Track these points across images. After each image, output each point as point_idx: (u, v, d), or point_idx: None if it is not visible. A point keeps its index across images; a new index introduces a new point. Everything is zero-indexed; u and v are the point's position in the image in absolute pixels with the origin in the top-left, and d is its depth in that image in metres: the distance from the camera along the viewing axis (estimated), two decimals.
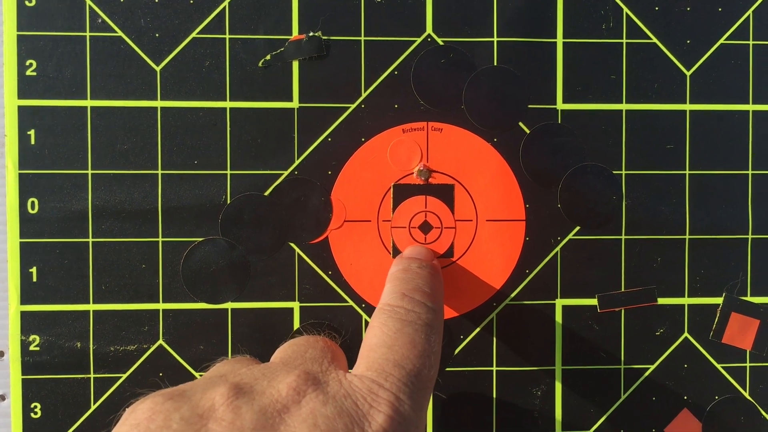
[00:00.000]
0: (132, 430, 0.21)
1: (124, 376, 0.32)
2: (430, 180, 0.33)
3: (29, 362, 0.32)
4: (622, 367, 0.34)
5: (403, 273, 0.29)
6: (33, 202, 0.32)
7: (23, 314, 0.32)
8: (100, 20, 0.32)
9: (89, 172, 0.32)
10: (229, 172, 0.32)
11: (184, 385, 0.23)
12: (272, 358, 0.27)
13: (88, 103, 0.32)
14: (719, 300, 0.34)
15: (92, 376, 0.32)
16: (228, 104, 0.32)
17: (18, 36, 0.32)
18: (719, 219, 0.34)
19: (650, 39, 0.33)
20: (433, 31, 0.33)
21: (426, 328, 0.26)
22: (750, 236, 0.34)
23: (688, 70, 0.34)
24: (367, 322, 0.33)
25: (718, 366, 0.34)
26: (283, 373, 0.23)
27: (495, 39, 0.33)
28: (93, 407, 0.32)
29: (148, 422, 0.21)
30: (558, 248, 0.33)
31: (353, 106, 0.33)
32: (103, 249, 0.32)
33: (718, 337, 0.34)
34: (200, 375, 0.32)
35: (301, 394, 0.22)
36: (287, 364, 0.25)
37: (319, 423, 0.21)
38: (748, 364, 0.34)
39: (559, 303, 0.33)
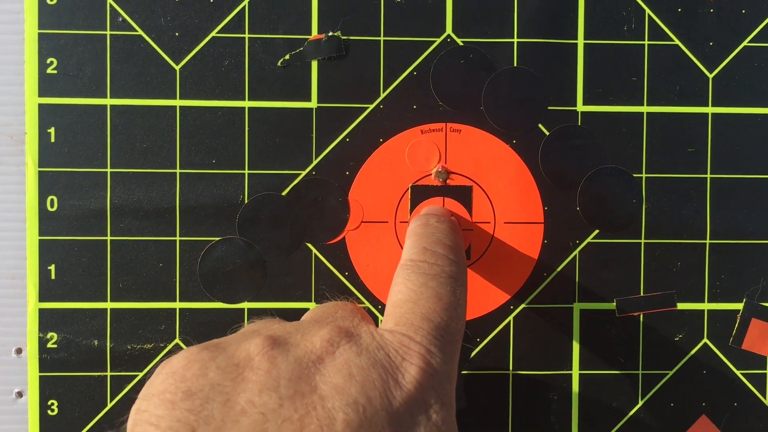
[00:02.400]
0: (168, 378, 0.20)
1: (141, 374, 0.32)
2: (448, 181, 0.33)
3: (47, 359, 0.32)
4: (640, 372, 0.33)
5: (422, 228, 0.29)
6: (52, 200, 0.32)
7: (41, 311, 0.32)
8: (120, 19, 0.32)
9: (108, 170, 0.32)
10: (247, 171, 0.32)
11: (218, 339, 0.23)
12: (304, 317, 0.26)
13: (108, 101, 0.32)
14: (739, 306, 0.34)
15: (109, 374, 0.32)
16: (247, 104, 0.32)
17: (39, 34, 0.32)
18: (740, 223, 0.33)
19: (672, 41, 0.33)
20: (453, 31, 0.33)
21: (450, 281, 0.25)
22: None
23: (711, 72, 0.33)
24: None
25: (738, 372, 0.34)
26: (315, 328, 0.23)
27: (515, 40, 0.33)
28: (109, 405, 0.32)
29: (184, 370, 0.21)
30: (576, 251, 0.33)
31: (372, 106, 0.33)
32: (121, 247, 0.32)
33: (737, 344, 0.34)
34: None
35: (335, 346, 0.22)
36: (318, 321, 0.25)
37: (354, 372, 0.21)
38: (767, 371, 0.34)
39: (577, 307, 0.33)
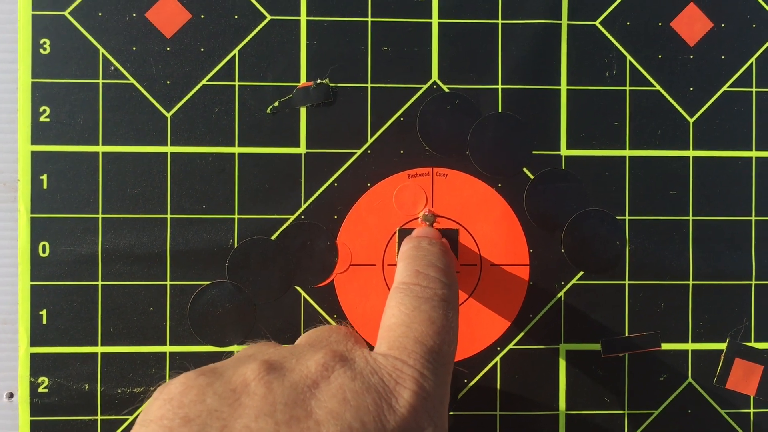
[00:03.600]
0: (165, 404, 0.21)
1: (131, 418, 0.32)
2: (434, 225, 0.33)
3: (38, 404, 0.32)
4: (626, 412, 0.34)
5: (414, 250, 0.29)
6: (44, 246, 0.32)
7: (33, 356, 0.32)
8: (112, 68, 0.32)
9: (100, 216, 0.32)
10: (236, 216, 0.33)
11: (214, 364, 0.23)
12: (298, 341, 0.27)
13: (100, 148, 0.32)
14: (723, 345, 0.34)
15: (99, 417, 0.32)
16: (236, 150, 0.33)
17: (32, 83, 0.32)
18: (723, 264, 0.34)
19: (653, 86, 0.34)
20: (439, 78, 0.33)
21: (443, 304, 0.26)
22: (753, 282, 0.34)
23: (692, 117, 0.34)
24: None
25: (722, 412, 0.34)
26: (310, 352, 0.23)
27: (500, 86, 0.33)
28: None
29: (181, 396, 0.21)
30: (562, 293, 0.34)
31: (359, 151, 0.33)
32: (112, 292, 0.32)
33: (722, 383, 0.34)
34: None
35: (329, 370, 0.22)
36: (313, 345, 0.25)
37: (349, 397, 0.21)
38: (752, 410, 0.34)
39: (563, 348, 0.34)
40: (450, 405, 0.33)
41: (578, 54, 0.34)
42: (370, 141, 0.33)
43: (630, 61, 0.34)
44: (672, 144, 0.34)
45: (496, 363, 0.34)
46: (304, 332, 0.28)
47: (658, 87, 0.34)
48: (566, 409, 0.34)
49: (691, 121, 0.34)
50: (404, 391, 0.22)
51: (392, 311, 0.26)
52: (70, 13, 0.32)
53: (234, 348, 0.33)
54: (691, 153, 0.34)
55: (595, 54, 0.34)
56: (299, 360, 0.23)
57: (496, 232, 0.33)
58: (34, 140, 0.32)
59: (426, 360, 0.24)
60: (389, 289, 0.33)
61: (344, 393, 0.21)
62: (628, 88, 0.34)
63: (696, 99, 0.34)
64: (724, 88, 0.34)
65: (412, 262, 0.28)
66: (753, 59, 0.34)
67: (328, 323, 0.33)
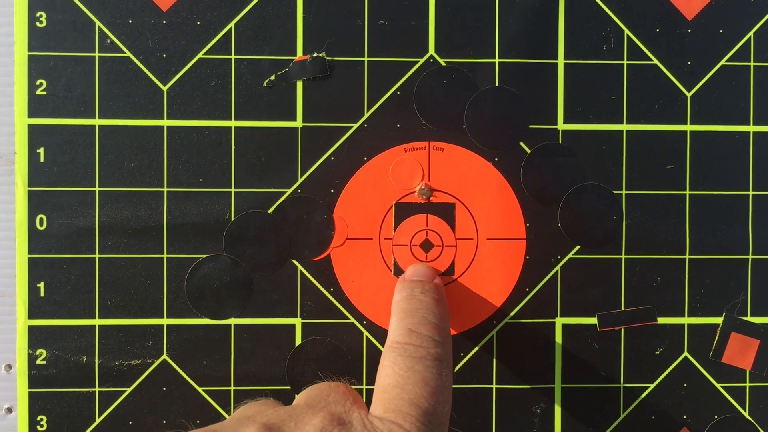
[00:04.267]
0: None
1: (129, 390, 0.33)
2: (431, 199, 0.33)
3: (36, 376, 0.32)
4: (622, 385, 0.34)
5: (407, 303, 0.29)
6: (41, 219, 0.32)
7: (30, 328, 0.32)
8: (108, 41, 0.32)
9: (96, 189, 0.33)
10: (233, 190, 0.33)
11: (213, 426, 0.24)
12: (295, 401, 0.27)
13: (97, 122, 0.33)
14: (719, 320, 0.34)
15: (97, 389, 0.33)
16: (233, 123, 0.33)
17: (29, 56, 0.32)
18: (719, 239, 0.34)
19: (651, 60, 0.34)
20: (436, 51, 0.33)
21: (436, 363, 0.26)
22: (750, 256, 0.34)
23: (689, 91, 0.34)
24: (368, 339, 0.33)
25: (718, 385, 0.34)
26: (309, 415, 0.24)
27: (497, 60, 0.33)
28: (98, 420, 0.33)
29: None
30: (558, 267, 0.34)
31: (356, 125, 0.33)
32: (109, 265, 0.33)
33: (717, 357, 0.34)
34: (203, 391, 0.33)
35: None
36: (312, 406, 0.25)
37: None
38: (747, 384, 0.34)
39: (559, 322, 0.34)
40: None
41: (575, 27, 0.33)
42: (366, 115, 0.33)
43: (627, 35, 0.34)
44: (669, 118, 0.34)
45: (492, 337, 0.34)
46: (302, 390, 0.28)
47: (655, 61, 0.34)
48: (562, 383, 0.34)
49: (688, 95, 0.34)
50: None
51: (386, 371, 0.26)
52: None
53: (231, 321, 0.33)
54: (688, 127, 0.34)
55: (593, 27, 0.34)
56: (297, 424, 0.23)
57: (493, 206, 0.33)
58: (31, 113, 0.32)
59: (421, 423, 0.24)
60: (386, 263, 0.33)
61: None
62: (625, 62, 0.34)
63: (694, 73, 0.34)
64: (722, 62, 0.34)
65: (405, 318, 0.28)
66: (751, 33, 0.34)
67: (325, 298, 0.33)
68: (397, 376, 0.26)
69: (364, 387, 0.33)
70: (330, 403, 0.26)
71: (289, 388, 0.33)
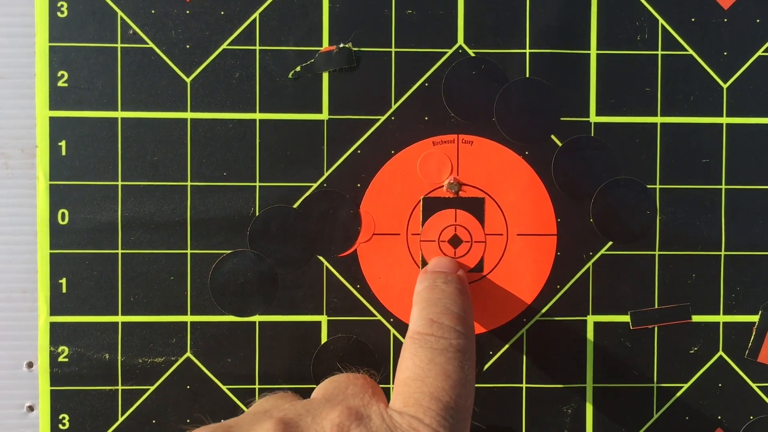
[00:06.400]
0: None
1: (152, 388, 0.32)
2: (460, 193, 0.33)
3: (58, 373, 0.32)
4: (655, 385, 0.33)
5: (429, 292, 0.28)
6: (63, 213, 0.32)
7: (52, 325, 0.32)
8: (131, 32, 0.32)
9: (119, 183, 0.32)
10: (258, 184, 0.32)
11: (229, 420, 0.23)
12: (313, 394, 0.27)
13: (119, 114, 0.32)
14: (755, 318, 0.33)
15: (120, 387, 0.32)
16: (257, 116, 0.32)
17: (50, 47, 0.32)
18: (756, 235, 0.33)
19: (686, 51, 0.33)
20: (465, 42, 0.32)
21: (458, 355, 0.25)
22: None
23: (725, 82, 0.33)
24: (395, 337, 0.32)
25: (754, 385, 0.33)
26: (326, 409, 0.23)
27: (527, 50, 0.32)
28: (120, 419, 0.32)
29: None
30: (590, 263, 0.33)
31: (383, 118, 0.32)
32: (132, 261, 0.32)
33: (753, 356, 0.33)
34: (227, 389, 0.32)
35: (344, 431, 0.22)
36: (329, 400, 0.25)
37: None
38: None
39: (591, 319, 0.33)
40: (476, 377, 0.33)
41: (608, 17, 0.33)
42: (394, 107, 0.32)
43: (662, 25, 0.33)
44: (705, 110, 0.33)
45: (522, 335, 0.33)
46: (321, 382, 0.27)
47: (690, 51, 0.33)
48: (594, 382, 0.33)
49: (724, 86, 0.33)
50: None
51: (407, 363, 0.25)
52: None
53: (255, 318, 0.32)
54: (724, 120, 0.33)
55: (626, 17, 0.33)
56: (315, 419, 0.23)
57: (523, 200, 0.33)
58: (52, 106, 0.32)
59: (442, 417, 0.23)
60: (413, 259, 0.32)
61: None
62: (659, 52, 0.33)
63: (730, 64, 0.33)
64: (759, 53, 0.33)
65: (426, 307, 0.27)
66: None
67: (351, 295, 0.32)
68: (417, 369, 0.25)
69: (390, 385, 0.32)
70: (348, 396, 0.25)
71: (314, 386, 0.32)
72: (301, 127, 0.32)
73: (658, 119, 0.33)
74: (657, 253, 0.33)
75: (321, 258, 0.32)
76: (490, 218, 0.33)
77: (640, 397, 0.33)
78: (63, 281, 0.32)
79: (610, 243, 0.33)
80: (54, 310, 0.32)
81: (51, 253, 0.32)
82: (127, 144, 0.32)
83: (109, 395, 0.32)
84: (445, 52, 0.32)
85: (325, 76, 0.32)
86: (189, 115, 0.32)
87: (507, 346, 0.33)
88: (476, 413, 0.33)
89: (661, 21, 0.33)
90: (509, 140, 0.33)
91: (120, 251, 0.32)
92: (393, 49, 0.32)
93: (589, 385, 0.33)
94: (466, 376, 0.25)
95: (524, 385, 0.33)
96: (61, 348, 0.32)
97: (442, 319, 0.27)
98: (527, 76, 0.33)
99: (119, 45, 0.32)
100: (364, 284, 0.32)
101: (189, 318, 0.32)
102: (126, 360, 0.32)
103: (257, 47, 0.32)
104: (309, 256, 0.32)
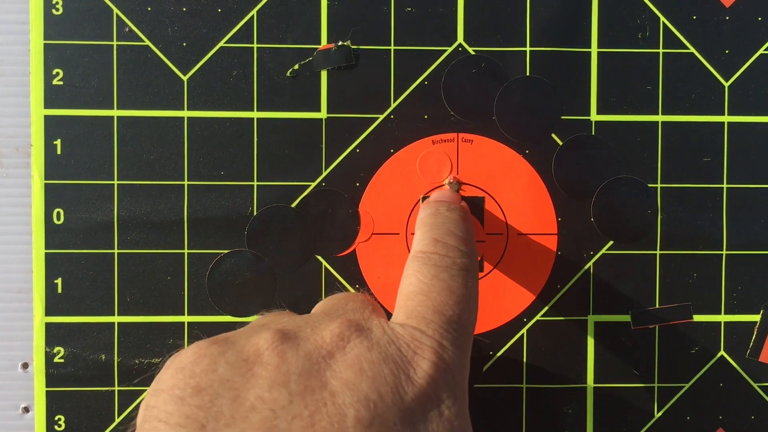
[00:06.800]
0: (177, 373, 0.20)
1: (149, 389, 0.32)
2: (460, 192, 0.32)
3: (53, 374, 0.31)
4: (656, 385, 0.33)
5: (432, 218, 0.28)
6: (58, 213, 0.31)
7: (48, 326, 0.32)
8: (127, 29, 0.31)
9: (115, 182, 0.32)
10: (255, 183, 0.32)
11: (227, 333, 0.23)
12: (314, 309, 0.26)
13: (115, 112, 0.32)
14: (757, 317, 0.33)
15: (117, 388, 0.32)
16: (255, 114, 0.32)
17: (45, 45, 0.31)
18: (757, 234, 0.33)
19: (687, 49, 0.33)
20: (464, 40, 0.32)
21: (462, 273, 0.25)
22: None
23: (727, 80, 0.33)
24: None
25: (755, 385, 0.33)
26: (326, 321, 0.23)
27: (528, 48, 0.32)
28: (117, 420, 0.32)
29: (193, 366, 0.20)
30: (591, 263, 0.33)
31: (382, 116, 0.32)
32: (128, 260, 0.32)
33: (755, 356, 0.33)
34: None
35: (345, 340, 0.21)
36: (329, 314, 0.24)
37: (365, 368, 0.21)
38: None
39: (592, 319, 0.33)
40: (475, 377, 0.32)
41: (609, 15, 0.32)
42: (393, 105, 0.32)
43: (663, 23, 0.32)
44: (706, 109, 0.33)
45: (522, 335, 0.33)
46: (320, 301, 0.27)
47: (692, 50, 0.33)
48: (595, 382, 0.33)
49: (726, 85, 0.33)
50: (423, 362, 0.21)
51: (410, 279, 0.25)
52: None
53: (252, 318, 0.32)
54: (726, 118, 0.33)
55: (627, 15, 0.32)
56: (314, 329, 0.22)
57: (524, 199, 0.32)
58: (47, 104, 0.31)
59: (445, 330, 0.23)
60: None
61: (360, 363, 0.21)
62: (661, 50, 0.33)
63: (731, 62, 0.33)
64: (761, 51, 0.33)
65: (430, 229, 0.27)
66: None
67: (347, 290, 0.32)
68: (421, 284, 0.24)
69: None
70: (348, 311, 0.25)
71: None
72: (299, 125, 0.32)
73: (660, 118, 0.33)
74: (658, 252, 0.33)
75: (319, 258, 0.32)
76: (491, 217, 0.32)
77: (641, 397, 0.33)
78: (58, 281, 0.32)
79: (611, 242, 0.33)
80: (49, 311, 0.32)
81: (46, 253, 0.31)
82: (123, 143, 0.32)
83: (105, 396, 0.32)
84: (445, 50, 0.32)
85: (324, 74, 0.32)
86: (186, 113, 0.32)
87: (507, 346, 0.33)
88: (475, 411, 0.32)
89: (662, 19, 0.32)
90: (509, 139, 0.32)
91: (116, 251, 0.32)
92: (392, 47, 0.32)
93: (590, 385, 0.33)
94: (469, 292, 0.25)
95: (524, 385, 0.33)
96: (56, 348, 0.32)
97: (446, 239, 0.26)
98: (528, 74, 0.32)
99: (115, 43, 0.31)
100: (363, 284, 0.32)
101: (186, 318, 0.32)
102: (122, 361, 0.32)
103: (255, 45, 0.32)
104: (307, 256, 0.32)
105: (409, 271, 0.26)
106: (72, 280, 0.32)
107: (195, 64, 0.32)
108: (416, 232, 0.28)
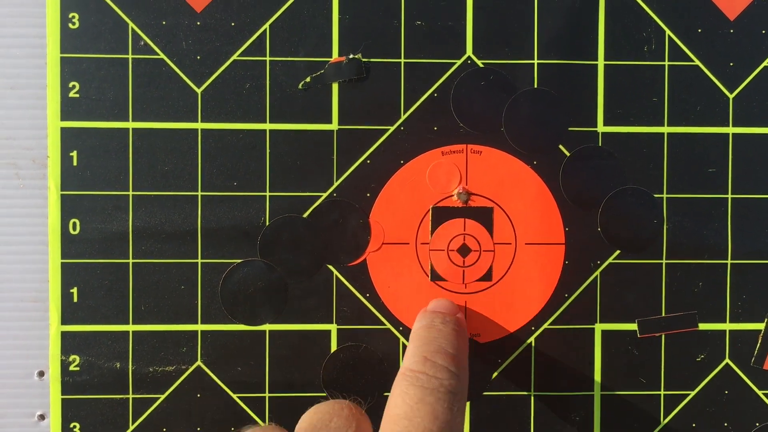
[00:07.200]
0: None
1: (163, 396, 0.32)
2: (469, 203, 0.33)
3: (69, 382, 0.32)
4: (662, 393, 0.33)
5: (425, 331, 0.29)
6: (75, 223, 0.32)
7: (64, 334, 0.32)
8: (142, 43, 0.32)
9: (130, 193, 0.32)
10: (268, 193, 0.32)
11: None
12: (298, 425, 0.26)
13: (130, 125, 0.32)
14: (761, 326, 0.33)
15: (131, 396, 0.32)
16: (268, 126, 0.32)
17: (61, 58, 0.32)
18: (762, 243, 0.33)
19: (693, 61, 0.33)
20: (473, 53, 0.33)
21: (448, 396, 0.25)
22: None
23: (731, 92, 0.33)
24: (404, 346, 0.33)
25: (760, 393, 0.34)
26: None
27: (535, 61, 0.33)
28: (131, 427, 0.32)
29: None
30: (597, 272, 0.33)
31: (392, 128, 0.33)
32: (143, 270, 0.32)
33: (759, 364, 0.33)
34: (238, 397, 0.32)
35: None
36: None
37: None
38: None
39: (599, 327, 0.33)
40: (484, 385, 0.33)
41: (616, 28, 0.33)
42: (403, 117, 0.33)
43: (669, 36, 0.33)
44: (711, 120, 0.33)
45: (530, 343, 0.33)
46: (305, 413, 0.27)
47: (697, 62, 0.33)
48: (602, 390, 0.33)
49: (731, 97, 0.33)
50: None
51: (396, 401, 0.25)
52: None
53: (266, 327, 0.32)
54: (730, 130, 0.33)
55: (633, 28, 0.33)
56: None
57: (531, 210, 0.33)
58: (64, 116, 0.32)
59: None
60: (422, 269, 0.33)
61: None
62: (666, 63, 0.33)
63: (736, 74, 0.33)
64: (765, 63, 0.33)
65: (421, 345, 0.28)
66: None
67: (361, 304, 0.32)
68: (406, 407, 0.25)
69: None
70: (332, 430, 0.25)
71: (324, 394, 0.32)
72: (311, 137, 0.32)
73: (665, 129, 0.33)
74: (664, 261, 0.33)
75: (331, 267, 0.33)
76: (499, 227, 0.33)
77: (647, 404, 0.33)
78: (74, 290, 0.32)
79: (618, 252, 0.33)
80: (65, 319, 0.32)
81: (62, 263, 0.32)
82: (138, 154, 0.32)
83: (119, 404, 0.32)
84: (454, 63, 0.33)
85: (335, 86, 0.32)
86: (199, 125, 0.32)
87: (515, 354, 0.33)
88: (485, 420, 0.33)
89: (667, 32, 0.33)
90: (517, 150, 0.33)
91: (131, 260, 0.32)
92: (402, 60, 0.33)
93: (597, 392, 0.33)
94: (454, 418, 0.25)
95: (532, 393, 0.33)
96: (72, 357, 0.32)
97: (435, 358, 0.27)
98: (535, 86, 0.33)
99: (130, 56, 0.32)
100: (373, 293, 0.33)
101: (199, 327, 0.32)
102: (137, 369, 0.32)
103: (267, 58, 0.32)
104: (319, 266, 0.33)
105: (397, 391, 0.26)
106: (87, 290, 0.32)
107: (209, 76, 0.32)
108: (409, 345, 0.28)
